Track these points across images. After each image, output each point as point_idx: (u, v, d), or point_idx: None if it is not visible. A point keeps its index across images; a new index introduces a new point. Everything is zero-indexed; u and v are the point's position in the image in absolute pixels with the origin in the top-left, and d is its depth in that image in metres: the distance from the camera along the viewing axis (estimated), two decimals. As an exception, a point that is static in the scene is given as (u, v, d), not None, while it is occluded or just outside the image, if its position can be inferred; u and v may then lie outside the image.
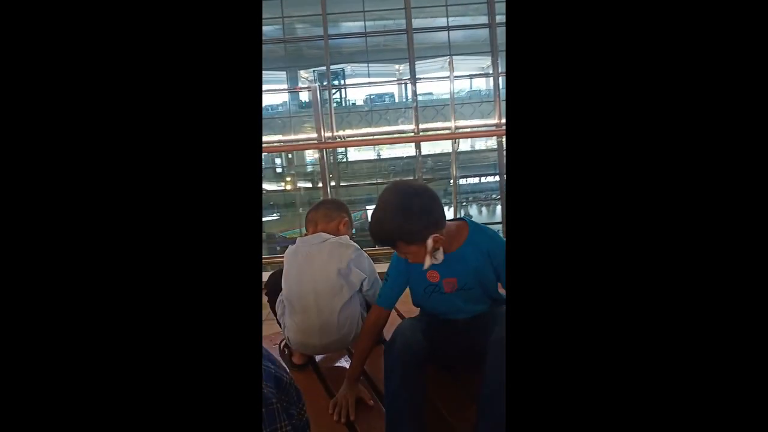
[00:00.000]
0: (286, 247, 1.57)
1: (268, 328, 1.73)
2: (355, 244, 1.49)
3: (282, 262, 1.53)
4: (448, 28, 9.64)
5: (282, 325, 1.55)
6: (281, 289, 1.51)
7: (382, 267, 1.45)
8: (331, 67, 8.77)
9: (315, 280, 1.42)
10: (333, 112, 3.63)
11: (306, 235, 1.56)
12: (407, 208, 1.12)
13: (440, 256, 1.18)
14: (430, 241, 1.13)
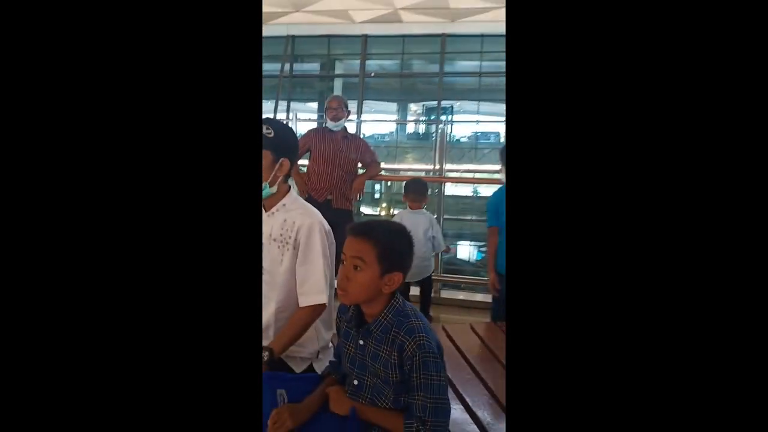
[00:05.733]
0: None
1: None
2: None
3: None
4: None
5: None
6: None
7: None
8: (442, 102, 9.21)
9: None
10: (440, 146, 3.78)
11: None
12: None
13: None
14: None
